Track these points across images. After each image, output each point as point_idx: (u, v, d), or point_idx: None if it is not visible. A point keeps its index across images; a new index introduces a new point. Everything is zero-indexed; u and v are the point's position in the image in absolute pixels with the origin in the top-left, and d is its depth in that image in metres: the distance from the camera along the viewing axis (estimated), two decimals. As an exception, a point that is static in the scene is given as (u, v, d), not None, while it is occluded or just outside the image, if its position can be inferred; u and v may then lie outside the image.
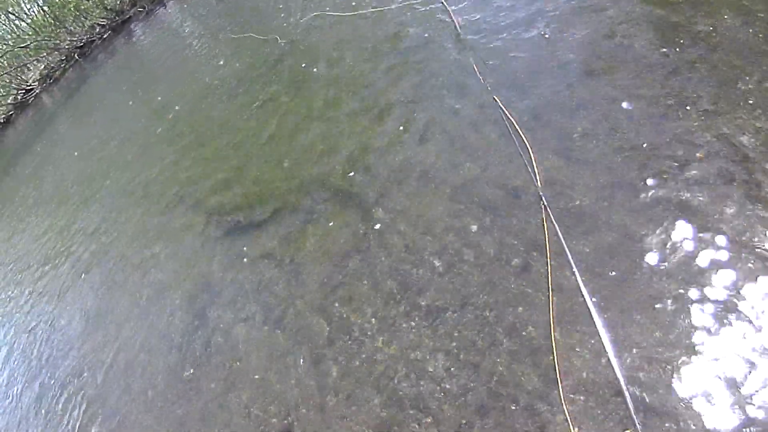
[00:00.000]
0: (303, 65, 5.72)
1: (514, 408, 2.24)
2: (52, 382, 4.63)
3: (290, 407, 2.88)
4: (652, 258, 2.36)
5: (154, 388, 3.65)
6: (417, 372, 2.58)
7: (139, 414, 3.59)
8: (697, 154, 2.59)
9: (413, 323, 2.77)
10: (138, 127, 7.82)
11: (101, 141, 8.65)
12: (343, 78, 5.01)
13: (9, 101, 17.47)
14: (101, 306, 4.94)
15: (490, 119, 3.46)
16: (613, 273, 2.40)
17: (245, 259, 3.95)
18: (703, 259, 2.26)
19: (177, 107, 7.31)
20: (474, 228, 2.96)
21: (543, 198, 2.80)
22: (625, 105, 3.00)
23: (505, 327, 2.49)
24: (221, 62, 7.42)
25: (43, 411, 4.41)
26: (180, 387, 3.49)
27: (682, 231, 2.38)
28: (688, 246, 2.33)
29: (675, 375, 2.04)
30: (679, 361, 2.06)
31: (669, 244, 2.38)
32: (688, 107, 2.79)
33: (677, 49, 3.09)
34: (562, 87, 3.33)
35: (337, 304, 3.14)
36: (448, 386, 2.46)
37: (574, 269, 2.47)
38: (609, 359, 2.16)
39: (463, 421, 2.32)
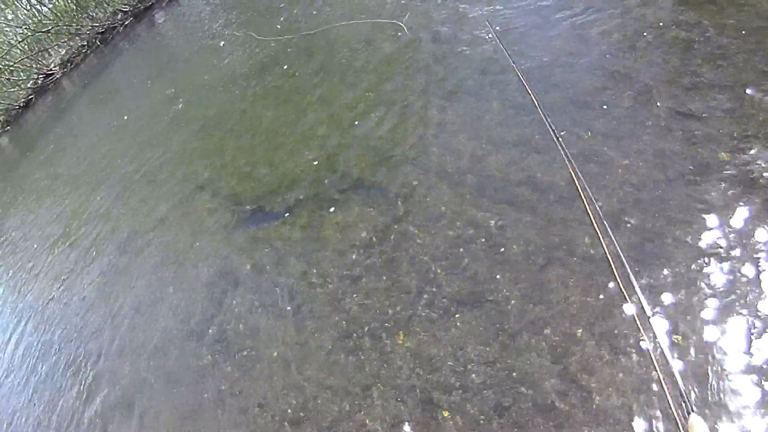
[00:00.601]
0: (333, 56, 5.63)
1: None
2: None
3: (306, 398, 2.82)
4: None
5: (166, 375, 3.63)
6: (439, 374, 2.51)
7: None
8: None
9: (431, 318, 2.70)
10: (157, 114, 7.81)
11: (119, 126, 8.67)
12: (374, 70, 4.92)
13: (29, 85, 17.62)
14: (111, 290, 4.91)
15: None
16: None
17: (266, 245, 3.89)
18: None
19: (197, 95, 7.29)
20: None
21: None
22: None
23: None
24: (244, 51, 7.36)
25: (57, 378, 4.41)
26: (193, 373, 3.47)
27: None
28: None
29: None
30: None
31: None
32: None
33: None
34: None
35: (356, 296, 3.09)
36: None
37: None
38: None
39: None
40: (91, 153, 8.65)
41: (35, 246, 7.30)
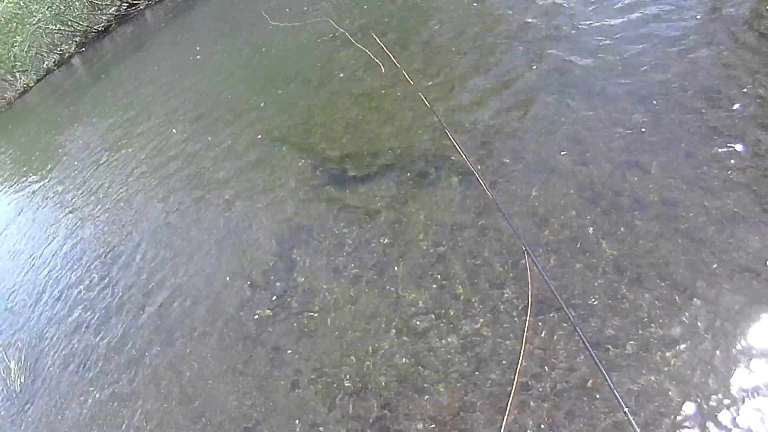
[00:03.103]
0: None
1: None
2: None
3: (364, 373, 2.61)
4: None
5: (218, 331, 3.45)
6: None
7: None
8: None
9: (515, 313, 2.42)
10: (242, 60, 7.46)
11: (196, 67, 8.38)
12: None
13: (112, 11, 17.75)
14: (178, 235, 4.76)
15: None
16: None
17: (345, 210, 3.64)
18: None
19: (285, 49, 6.89)
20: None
21: None
22: None
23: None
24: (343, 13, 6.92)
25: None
26: (249, 328, 3.29)
27: None
28: None
29: None
30: None
31: None
32: None
33: None
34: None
35: (438, 276, 2.82)
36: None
37: None
38: None
39: None
40: (166, 87, 8.44)
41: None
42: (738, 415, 1.79)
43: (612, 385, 1.66)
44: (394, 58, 4.81)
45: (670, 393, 1.91)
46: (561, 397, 2.07)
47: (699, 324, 2.05)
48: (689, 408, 1.85)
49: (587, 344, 1.79)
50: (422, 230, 3.13)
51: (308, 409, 2.65)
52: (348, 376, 2.65)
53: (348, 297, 3.05)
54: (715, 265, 2.19)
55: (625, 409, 1.59)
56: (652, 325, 2.11)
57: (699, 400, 1.86)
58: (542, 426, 2.03)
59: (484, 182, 3.02)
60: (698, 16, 3.45)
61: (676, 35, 3.37)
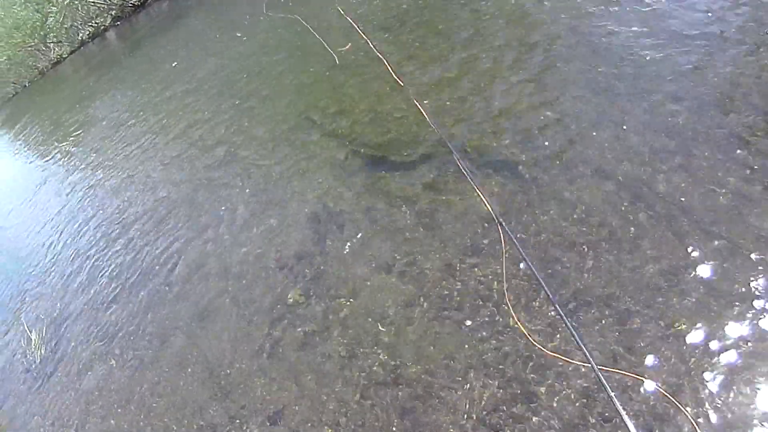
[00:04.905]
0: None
1: None
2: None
3: (396, 362, 2.56)
4: None
5: (247, 311, 3.37)
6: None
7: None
8: None
9: (552, 311, 2.36)
10: (286, 44, 7.13)
11: (233, 47, 8.13)
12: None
13: (149, -14, 17.62)
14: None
15: None
16: None
17: (381, 197, 3.52)
18: None
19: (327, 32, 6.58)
20: None
21: None
22: None
23: None
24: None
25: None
26: (278, 311, 3.22)
27: None
28: None
29: None
30: None
31: None
32: None
33: None
34: None
35: (475, 269, 2.73)
36: None
37: None
38: None
39: None
40: (199, 65, 8.23)
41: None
42: None
43: None
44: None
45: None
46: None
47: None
48: None
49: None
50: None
51: (337, 396, 2.59)
52: (379, 365, 2.58)
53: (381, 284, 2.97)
54: None
55: None
56: None
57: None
58: None
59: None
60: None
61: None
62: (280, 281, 3.39)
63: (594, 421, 1.98)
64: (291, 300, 3.21)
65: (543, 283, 2.38)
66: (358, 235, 3.34)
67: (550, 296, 2.34)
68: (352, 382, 2.59)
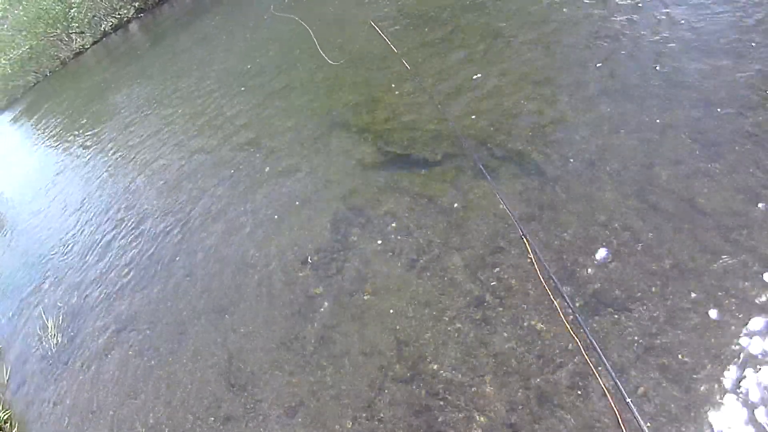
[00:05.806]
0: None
1: None
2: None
3: (415, 360, 2.53)
4: None
5: (268, 305, 3.35)
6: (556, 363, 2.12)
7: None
8: None
9: (569, 311, 2.33)
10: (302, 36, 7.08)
11: (257, 43, 8.08)
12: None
13: (172, -21, 17.71)
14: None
15: None
16: None
17: (405, 194, 3.50)
18: None
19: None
20: None
21: None
22: None
23: None
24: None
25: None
26: (302, 302, 3.20)
27: None
28: None
29: None
30: None
31: None
32: None
33: None
34: None
35: (497, 270, 2.70)
36: None
37: None
38: None
39: None
40: (223, 59, 8.21)
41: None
42: None
43: None
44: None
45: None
46: None
47: None
48: None
49: None
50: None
51: (355, 391, 2.57)
52: (398, 362, 2.56)
53: (402, 281, 2.94)
54: None
55: None
56: None
57: None
58: None
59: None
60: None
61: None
62: (302, 276, 3.36)
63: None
64: (312, 294, 3.19)
65: (560, 286, 2.35)
66: (382, 231, 3.29)
67: (568, 302, 2.33)
68: (369, 378, 2.57)
